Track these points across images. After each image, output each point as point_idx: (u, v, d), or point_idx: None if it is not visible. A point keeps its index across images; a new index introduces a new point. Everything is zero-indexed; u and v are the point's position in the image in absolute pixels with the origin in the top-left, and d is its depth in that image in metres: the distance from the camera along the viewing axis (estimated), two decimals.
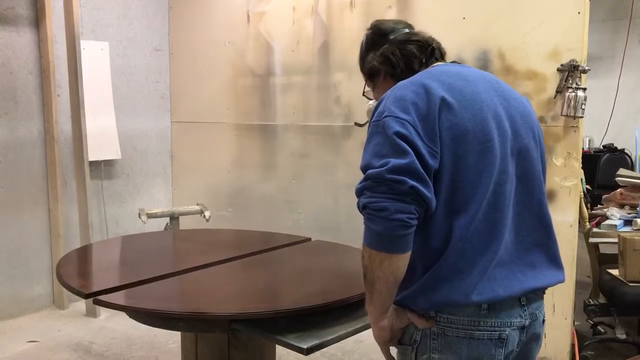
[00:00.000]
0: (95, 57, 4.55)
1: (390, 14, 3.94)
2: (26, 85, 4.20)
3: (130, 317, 2.32)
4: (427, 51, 1.69)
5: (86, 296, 2.24)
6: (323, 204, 4.31)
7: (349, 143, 4.18)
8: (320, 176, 4.32)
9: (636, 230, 3.60)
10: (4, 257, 4.15)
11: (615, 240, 3.52)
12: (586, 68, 3.24)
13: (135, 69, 4.87)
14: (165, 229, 4.41)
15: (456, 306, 1.44)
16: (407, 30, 1.76)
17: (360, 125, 2.45)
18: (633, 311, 3.40)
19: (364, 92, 1.88)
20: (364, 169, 1.43)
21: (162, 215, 4.32)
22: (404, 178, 1.35)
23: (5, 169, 4.13)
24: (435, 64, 1.68)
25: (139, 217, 4.18)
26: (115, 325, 4.05)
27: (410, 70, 1.65)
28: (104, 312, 4.23)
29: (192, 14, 4.94)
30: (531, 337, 1.56)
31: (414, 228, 1.39)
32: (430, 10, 3.80)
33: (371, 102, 1.95)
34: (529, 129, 1.58)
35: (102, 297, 2.21)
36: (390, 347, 1.63)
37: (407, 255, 1.41)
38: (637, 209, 3.88)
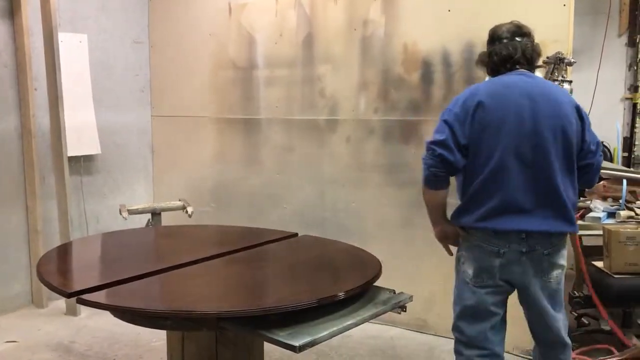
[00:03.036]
0: (74, 50, 4.44)
1: (375, 7, 3.91)
2: (1, 79, 4.08)
3: (115, 316, 2.27)
4: (510, 62, 2.39)
5: (69, 295, 2.18)
6: (308, 199, 4.27)
7: (333, 137, 4.14)
8: (305, 170, 4.28)
9: (620, 222, 3.63)
10: None
11: (599, 232, 3.54)
12: (572, 60, 3.23)
13: (115, 62, 4.77)
14: (147, 225, 4.33)
15: (468, 228, 2.37)
16: (508, 39, 2.42)
17: None
18: (618, 303, 3.42)
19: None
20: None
21: (143, 211, 4.24)
22: (436, 147, 2.30)
23: None
24: (517, 69, 2.40)
25: (120, 214, 4.09)
26: (97, 323, 3.97)
27: (496, 71, 2.44)
28: (84, 311, 4.15)
29: (172, 5, 4.84)
30: (544, 260, 2.33)
31: (442, 177, 2.35)
32: (415, 2, 3.77)
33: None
34: (556, 127, 2.29)
35: (85, 296, 2.15)
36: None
37: (440, 192, 2.41)
38: (620, 201, 3.90)
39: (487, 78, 2.61)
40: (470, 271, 2.38)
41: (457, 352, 2.47)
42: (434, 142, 2.31)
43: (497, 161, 2.27)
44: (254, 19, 4.43)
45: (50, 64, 4.09)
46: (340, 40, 4.05)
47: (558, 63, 3.23)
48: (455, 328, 2.46)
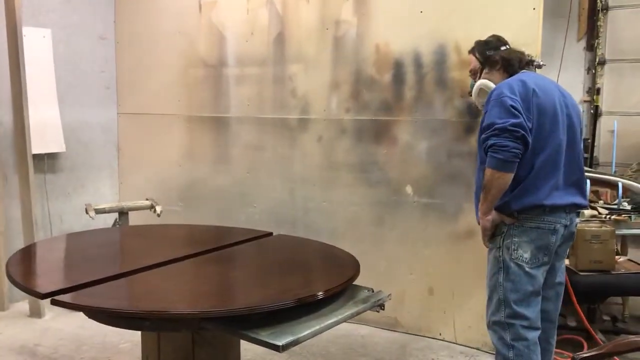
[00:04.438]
0: (37, 45, 4.31)
1: (347, 7, 3.92)
2: None
3: (89, 317, 2.21)
4: (522, 62, 2.75)
5: (43, 296, 2.12)
6: (279, 198, 4.25)
7: (305, 136, 4.13)
8: (276, 170, 4.25)
9: (584, 221, 3.73)
10: None
11: None
12: (541, 63, 3.30)
13: (80, 57, 4.66)
14: (114, 225, 4.25)
15: (532, 207, 2.51)
16: (508, 46, 2.82)
17: (470, 94, 3.05)
18: (584, 299, 3.52)
19: (470, 71, 2.95)
20: (489, 126, 2.47)
21: (110, 211, 4.15)
22: (518, 129, 2.42)
23: None
24: (523, 71, 2.73)
25: (87, 213, 4.00)
26: (62, 325, 3.87)
27: (509, 72, 2.73)
28: (49, 312, 4.04)
29: (140, 1, 4.76)
30: (570, 235, 2.67)
31: (519, 159, 2.44)
32: (387, 2, 3.79)
33: (479, 82, 2.84)
34: (575, 114, 2.66)
35: (60, 297, 2.09)
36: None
37: (512, 175, 2.46)
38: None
39: (479, 82, 2.85)
40: (526, 255, 2.53)
41: (520, 338, 2.53)
42: (514, 125, 2.40)
43: (555, 142, 2.52)
44: (225, 17, 4.39)
45: (14, 59, 3.97)
46: (312, 40, 4.05)
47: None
48: (515, 315, 2.54)
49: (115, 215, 4.25)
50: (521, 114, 2.44)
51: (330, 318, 2.15)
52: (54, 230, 4.51)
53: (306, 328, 2.04)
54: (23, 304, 4.15)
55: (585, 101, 6.61)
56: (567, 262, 3.58)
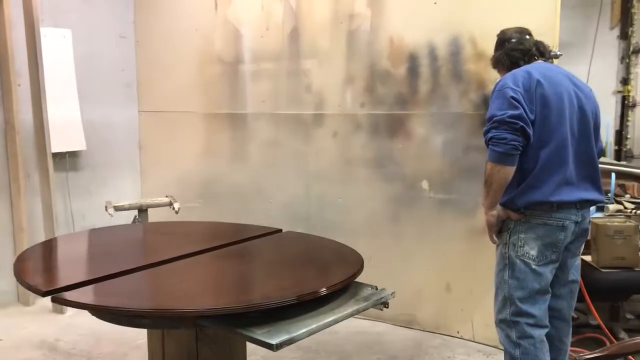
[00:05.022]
0: (58, 45, 4.39)
1: (360, 0, 3.87)
2: None
3: (93, 315, 2.23)
4: (528, 54, 2.62)
5: (44, 294, 2.14)
6: (295, 194, 4.23)
7: (320, 131, 4.10)
8: (292, 165, 4.24)
9: (609, 216, 3.61)
10: None
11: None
12: (558, 53, 3.19)
13: (100, 57, 4.71)
14: (134, 222, 4.29)
15: (539, 203, 2.42)
16: (519, 38, 2.68)
17: None
18: (606, 297, 3.41)
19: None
20: (490, 117, 2.40)
21: (129, 208, 4.19)
22: (517, 121, 2.34)
23: None
24: (535, 61, 2.61)
25: (106, 210, 4.05)
26: (83, 321, 3.93)
27: (517, 66, 2.59)
28: (70, 309, 4.11)
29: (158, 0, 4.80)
30: (582, 232, 2.56)
31: (519, 152, 2.37)
32: None
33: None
34: (590, 106, 2.55)
35: (60, 295, 2.11)
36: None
37: (514, 168, 2.39)
38: (609, 194, 3.89)
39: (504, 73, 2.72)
40: (533, 252, 2.46)
41: (526, 336, 2.48)
42: (512, 116, 2.34)
43: (561, 136, 2.42)
44: (240, 13, 4.38)
45: (32, 59, 4.04)
46: (326, 34, 4.01)
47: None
48: (520, 313, 2.48)
49: (135, 212, 4.29)
50: (522, 106, 2.37)
51: (329, 316, 2.11)
52: (76, 227, 4.59)
53: (302, 327, 2.01)
54: (47, 300, 4.20)
55: (619, 92, 6.40)
56: (588, 258, 3.50)
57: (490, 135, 2.38)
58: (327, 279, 2.36)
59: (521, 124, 2.34)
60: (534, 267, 2.46)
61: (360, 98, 3.93)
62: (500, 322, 2.56)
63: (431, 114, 3.68)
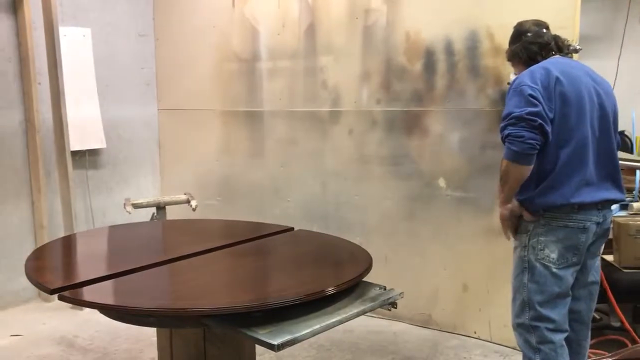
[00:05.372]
0: (77, 44, 4.43)
1: None
2: (5, 73, 4.09)
3: (101, 312, 2.24)
4: (546, 49, 2.53)
5: (51, 292, 2.15)
6: (311, 192, 4.21)
7: (336, 128, 4.07)
8: (308, 163, 4.21)
9: (632, 214, 3.50)
10: None
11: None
12: (577, 47, 3.10)
13: (120, 55, 4.75)
14: (152, 219, 4.32)
15: (559, 206, 2.35)
16: (536, 31, 2.57)
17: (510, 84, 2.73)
18: (628, 298, 3.30)
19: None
20: (507, 115, 2.32)
21: (147, 206, 4.22)
22: (536, 118, 2.26)
23: None
24: (553, 56, 2.52)
25: (124, 208, 4.08)
26: (100, 317, 3.85)
27: (534, 60, 2.52)
28: None
29: None
30: (603, 232, 2.49)
31: (537, 150, 2.29)
32: None
33: (512, 76, 2.74)
34: (610, 103, 2.48)
35: (67, 294, 2.12)
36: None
37: (530, 167, 2.32)
38: (634, 192, 3.78)
39: (513, 74, 2.73)
40: (553, 255, 2.38)
41: (546, 341, 2.41)
42: (531, 113, 2.26)
43: (582, 135, 2.35)
44: (257, 10, 4.37)
45: (51, 58, 4.09)
46: (342, 30, 3.97)
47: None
48: (539, 318, 2.42)
49: (153, 209, 4.32)
50: (540, 103, 2.29)
51: (334, 317, 2.08)
52: (97, 224, 4.64)
53: (306, 327, 1.98)
54: None
55: None
56: (610, 258, 3.40)
57: (507, 132, 2.30)
58: (333, 278, 2.33)
59: (540, 121, 2.26)
60: (554, 270, 2.39)
61: (376, 94, 3.88)
62: (519, 327, 2.48)
63: (448, 111, 3.61)
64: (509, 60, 2.71)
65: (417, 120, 3.73)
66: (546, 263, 2.40)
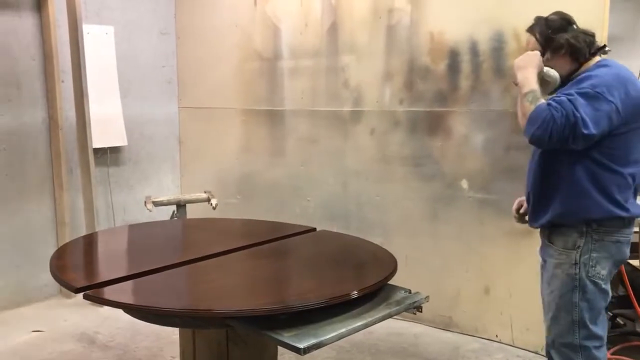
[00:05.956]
0: (100, 42, 4.45)
1: None
2: (29, 71, 4.13)
3: (126, 312, 2.25)
4: (593, 47, 2.33)
5: (76, 291, 2.16)
6: (332, 192, 4.19)
7: (358, 128, 4.05)
8: (329, 163, 4.20)
9: None
10: (10, 245, 4.11)
11: (637, 229, 3.36)
12: (607, 49, 3.05)
13: (142, 53, 4.77)
14: (172, 217, 4.33)
15: (617, 218, 2.23)
16: (575, 26, 2.37)
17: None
18: None
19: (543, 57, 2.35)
20: (577, 105, 2.10)
21: (168, 203, 4.23)
22: (589, 140, 2.12)
23: (9, 157, 4.07)
24: (596, 58, 2.34)
25: (145, 205, 4.10)
26: (121, 314, 3.90)
27: (581, 56, 2.31)
28: None
29: None
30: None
31: (541, 148, 2.27)
32: None
33: (548, 69, 2.33)
34: None
35: (92, 292, 2.13)
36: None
37: (524, 135, 2.22)
38: None
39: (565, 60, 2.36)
40: (604, 271, 2.27)
41: (597, 357, 2.32)
42: (588, 136, 2.09)
43: None
44: (279, 9, 4.36)
45: (75, 57, 4.11)
46: (365, 29, 3.95)
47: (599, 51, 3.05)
48: (590, 336, 2.30)
49: (174, 207, 4.33)
50: (606, 126, 2.13)
51: (359, 320, 2.06)
52: (117, 221, 4.66)
53: (331, 331, 1.97)
54: None
55: None
56: (636, 263, 3.34)
57: (563, 105, 2.09)
58: (358, 281, 2.32)
59: (583, 142, 2.12)
60: (603, 286, 2.28)
61: (398, 94, 3.85)
62: (564, 347, 2.34)
63: (472, 111, 3.58)
64: (544, 47, 2.35)
65: (440, 121, 3.70)
66: (596, 280, 2.26)
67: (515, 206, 2.65)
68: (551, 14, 2.41)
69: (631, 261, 3.37)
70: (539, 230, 2.47)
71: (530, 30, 2.44)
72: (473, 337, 3.67)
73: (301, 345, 1.86)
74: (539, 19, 2.42)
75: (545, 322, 2.43)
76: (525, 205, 2.57)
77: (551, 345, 2.39)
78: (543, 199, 2.36)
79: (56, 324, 3.88)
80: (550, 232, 2.37)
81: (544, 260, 2.44)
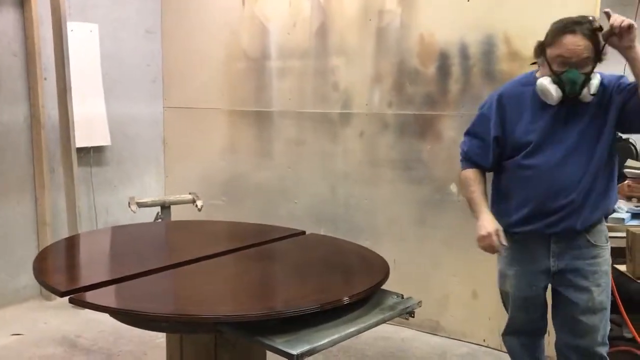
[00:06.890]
0: (84, 39, 4.37)
1: None
2: (10, 68, 4.03)
3: (112, 317, 2.19)
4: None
5: (62, 294, 2.10)
6: (319, 194, 4.15)
7: (346, 131, 4.01)
8: (317, 165, 4.16)
9: None
10: None
11: (623, 234, 3.38)
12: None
13: (126, 52, 4.70)
14: (156, 219, 4.26)
15: None
16: None
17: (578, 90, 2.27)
18: None
19: (579, 60, 2.22)
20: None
21: (152, 205, 4.16)
22: None
23: None
24: None
25: (129, 206, 4.02)
26: (104, 317, 3.83)
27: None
28: None
29: None
30: None
31: None
32: None
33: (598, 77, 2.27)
34: None
35: (78, 296, 2.07)
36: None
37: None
38: None
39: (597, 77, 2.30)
40: None
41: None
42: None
43: None
44: (268, 9, 4.32)
45: (59, 54, 4.03)
46: (354, 31, 3.92)
47: None
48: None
49: (158, 208, 4.26)
50: None
51: (352, 326, 2.03)
52: (100, 222, 4.58)
53: (324, 336, 1.94)
54: None
55: None
56: (623, 268, 3.35)
57: None
58: (350, 286, 2.28)
59: None
60: None
61: (388, 97, 3.83)
62: (606, 343, 2.45)
63: (461, 115, 3.56)
64: (598, 59, 2.25)
65: (430, 125, 3.68)
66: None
67: (495, 240, 2.46)
68: (580, 18, 2.27)
69: (618, 266, 3.38)
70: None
71: (586, 32, 2.22)
72: (461, 341, 3.66)
73: (294, 352, 1.83)
74: (586, 20, 2.25)
75: (583, 325, 2.43)
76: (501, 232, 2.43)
77: (601, 342, 2.42)
78: (599, 196, 2.30)
79: (36, 327, 3.79)
80: (588, 231, 2.33)
81: (570, 270, 2.38)
